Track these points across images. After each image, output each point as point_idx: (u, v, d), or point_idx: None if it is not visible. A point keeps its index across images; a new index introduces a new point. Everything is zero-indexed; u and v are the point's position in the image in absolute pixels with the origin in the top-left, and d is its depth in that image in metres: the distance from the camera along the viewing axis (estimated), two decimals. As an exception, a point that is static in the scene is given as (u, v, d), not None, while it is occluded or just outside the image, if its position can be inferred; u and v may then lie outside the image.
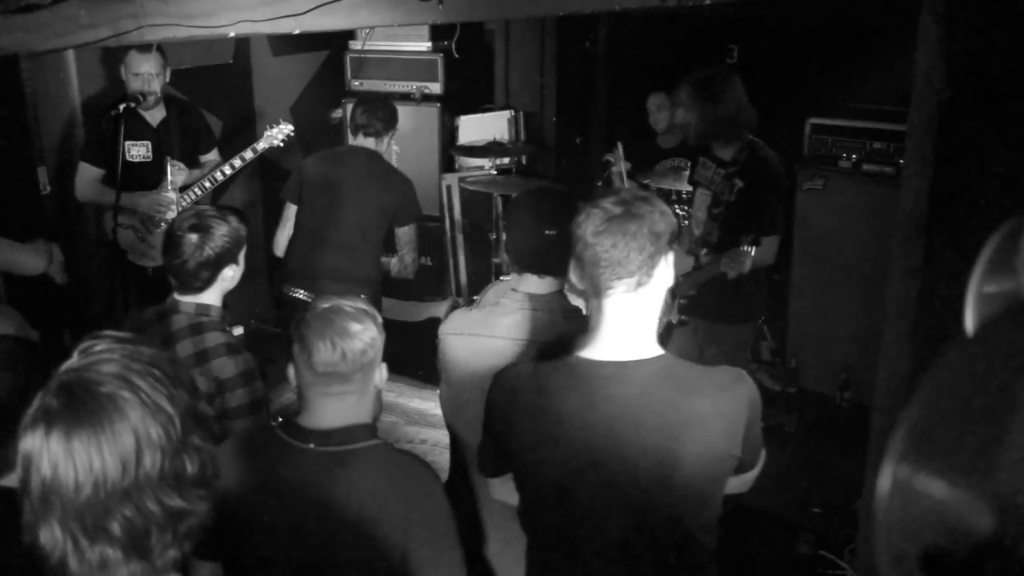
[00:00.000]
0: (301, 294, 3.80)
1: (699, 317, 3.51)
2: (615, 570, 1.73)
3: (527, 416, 1.73)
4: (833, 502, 3.61)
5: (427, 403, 4.57)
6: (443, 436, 4.26)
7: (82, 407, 1.08)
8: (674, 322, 3.76)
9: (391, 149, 4.05)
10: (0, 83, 3.32)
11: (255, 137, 4.11)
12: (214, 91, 4.84)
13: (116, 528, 1.08)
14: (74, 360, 1.14)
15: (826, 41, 4.40)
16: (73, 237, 4.00)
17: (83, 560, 1.09)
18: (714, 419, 1.65)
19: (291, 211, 3.89)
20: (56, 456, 1.07)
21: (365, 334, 1.84)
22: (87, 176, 3.86)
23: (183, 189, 4.00)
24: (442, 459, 4.09)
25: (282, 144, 4.06)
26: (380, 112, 3.89)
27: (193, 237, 2.37)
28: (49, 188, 3.81)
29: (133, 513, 1.08)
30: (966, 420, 0.58)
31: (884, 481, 0.60)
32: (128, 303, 3.89)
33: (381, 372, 1.94)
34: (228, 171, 4.00)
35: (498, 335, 2.21)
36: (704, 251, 3.46)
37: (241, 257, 2.49)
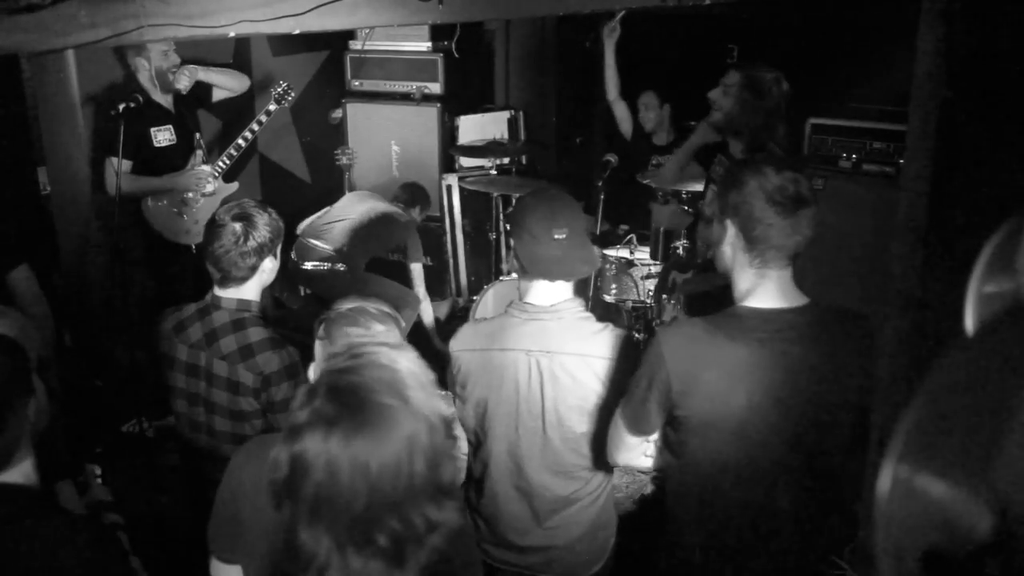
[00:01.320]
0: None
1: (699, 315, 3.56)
2: (782, 497, 1.93)
3: (713, 364, 1.89)
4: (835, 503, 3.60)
5: (427, 403, 4.58)
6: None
7: (358, 413, 1.07)
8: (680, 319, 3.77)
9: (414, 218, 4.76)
10: (0, 83, 3.32)
11: (255, 140, 4.28)
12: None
13: (382, 539, 1.07)
14: (340, 361, 1.13)
15: (826, 41, 4.40)
16: (73, 237, 4.00)
17: (346, 568, 1.07)
18: (864, 358, 1.88)
19: None
20: (335, 461, 1.05)
21: (388, 335, 1.87)
22: (118, 169, 3.93)
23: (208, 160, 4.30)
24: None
25: (288, 104, 4.49)
26: (408, 192, 4.77)
27: (236, 226, 2.38)
28: (49, 188, 3.80)
29: (399, 524, 1.07)
30: (966, 420, 0.58)
31: (884, 481, 0.61)
32: (173, 289, 4.10)
33: None
34: (248, 136, 4.35)
35: (508, 347, 2.20)
36: (709, 251, 3.47)
37: (279, 251, 2.51)
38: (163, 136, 4.16)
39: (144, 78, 4.06)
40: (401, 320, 1.95)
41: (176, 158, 4.22)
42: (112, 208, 3.83)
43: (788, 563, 2.00)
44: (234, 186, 4.43)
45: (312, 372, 1.93)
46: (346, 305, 1.91)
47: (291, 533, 1.09)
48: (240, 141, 4.34)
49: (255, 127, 4.37)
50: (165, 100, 4.17)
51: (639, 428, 2.02)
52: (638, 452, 2.09)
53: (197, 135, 4.29)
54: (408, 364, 1.16)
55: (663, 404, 1.94)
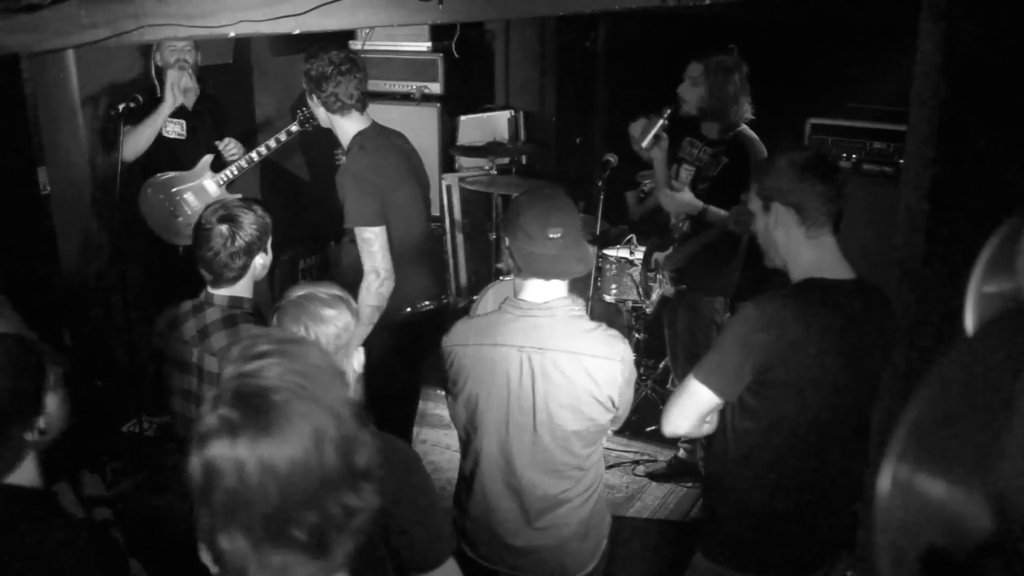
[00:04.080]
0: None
1: (683, 287, 3.80)
2: (851, 443, 2.12)
3: (808, 329, 2.01)
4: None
5: (427, 403, 4.57)
6: (442, 436, 4.26)
7: (263, 415, 1.08)
8: (668, 295, 3.83)
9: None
10: (0, 83, 3.32)
11: (254, 139, 4.22)
12: (214, 91, 4.84)
13: (299, 533, 1.08)
14: (237, 366, 1.14)
15: (826, 41, 4.40)
16: (73, 237, 4.00)
17: (265, 566, 1.09)
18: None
19: None
20: (244, 465, 1.07)
21: (338, 319, 1.90)
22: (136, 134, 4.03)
23: (219, 168, 4.24)
24: (441, 459, 4.09)
25: (311, 128, 4.03)
26: None
27: (223, 228, 2.40)
28: (49, 188, 3.81)
29: (315, 516, 1.09)
30: (966, 420, 0.58)
31: (884, 481, 0.60)
32: (163, 288, 4.06)
33: (359, 357, 1.99)
34: (264, 151, 4.22)
35: (499, 343, 2.21)
36: (686, 223, 3.67)
37: (269, 246, 2.53)
38: (173, 128, 4.14)
39: (161, 72, 4.13)
40: (353, 302, 1.99)
41: (184, 154, 4.19)
42: (112, 208, 3.84)
43: (843, 519, 2.22)
44: (235, 197, 4.35)
45: None
46: (296, 292, 1.94)
47: (210, 537, 1.11)
48: (253, 155, 4.23)
49: (272, 144, 4.21)
50: (185, 97, 4.16)
51: (726, 392, 2.10)
52: (702, 422, 2.17)
53: (218, 144, 4.27)
54: (311, 357, 1.17)
55: (756, 369, 2.04)
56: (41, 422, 1.61)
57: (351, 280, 4.24)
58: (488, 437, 2.25)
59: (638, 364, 4.16)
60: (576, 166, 5.67)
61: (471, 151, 5.10)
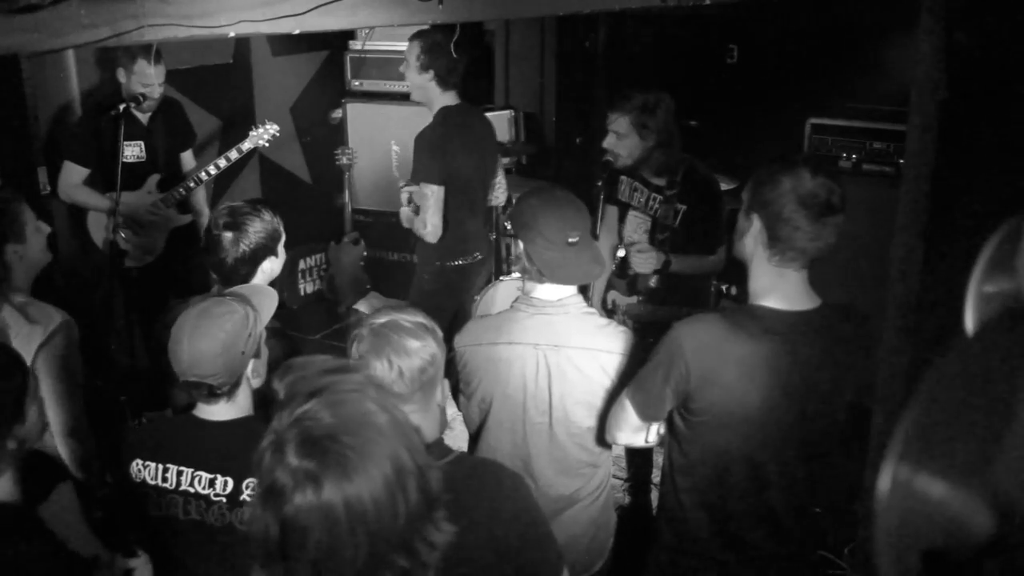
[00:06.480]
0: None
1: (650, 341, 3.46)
2: (777, 490, 1.98)
3: (731, 360, 1.90)
4: (833, 502, 3.60)
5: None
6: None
7: (340, 458, 1.04)
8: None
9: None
10: (0, 83, 3.32)
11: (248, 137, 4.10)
12: (214, 91, 4.84)
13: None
14: (291, 409, 1.08)
15: (826, 41, 4.40)
16: (73, 238, 4.00)
17: None
18: (863, 356, 1.95)
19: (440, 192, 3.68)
20: (332, 514, 1.03)
21: (424, 351, 1.73)
22: (75, 176, 3.85)
23: (164, 188, 3.99)
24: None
25: (267, 144, 4.11)
26: None
27: (229, 235, 2.46)
28: (49, 188, 3.80)
29: (404, 559, 1.07)
30: (966, 420, 0.58)
31: (884, 481, 0.60)
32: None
33: (444, 389, 1.84)
34: (213, 171, 4.00)
35: (515, 341, 2.20)
36: (654, 279, 3.30)
37: (279, 248, 2.57)
38: (131, 152, 3.89)
39: (122, 89, 3.87)
40: (438, 330, 1.81)
41: (140, 177, 3.95)
42: (112, 208, 3.82)
43: (781, 554, 2.05)
44: (186, 218, 4.12)
45: None
46: (378, 319, 1.76)
47: None
48: (202, 174, 3.98)
49: (222, 163, 3.99)
50: (141, 114, 3.94)
51: (649, 415, 2.05)
52: (640, 436, 2.13)
53: (157, 176, 4.01)
54: (369, 386, 1.12)
55: (678, 394, 1.97)
56: (20, 431, 1.56)
57: (350, 279, 4.32)
58: (503, 437, 2.24)
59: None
60: (576, 166, 5.67)
61: (471, 151, 5.09)
